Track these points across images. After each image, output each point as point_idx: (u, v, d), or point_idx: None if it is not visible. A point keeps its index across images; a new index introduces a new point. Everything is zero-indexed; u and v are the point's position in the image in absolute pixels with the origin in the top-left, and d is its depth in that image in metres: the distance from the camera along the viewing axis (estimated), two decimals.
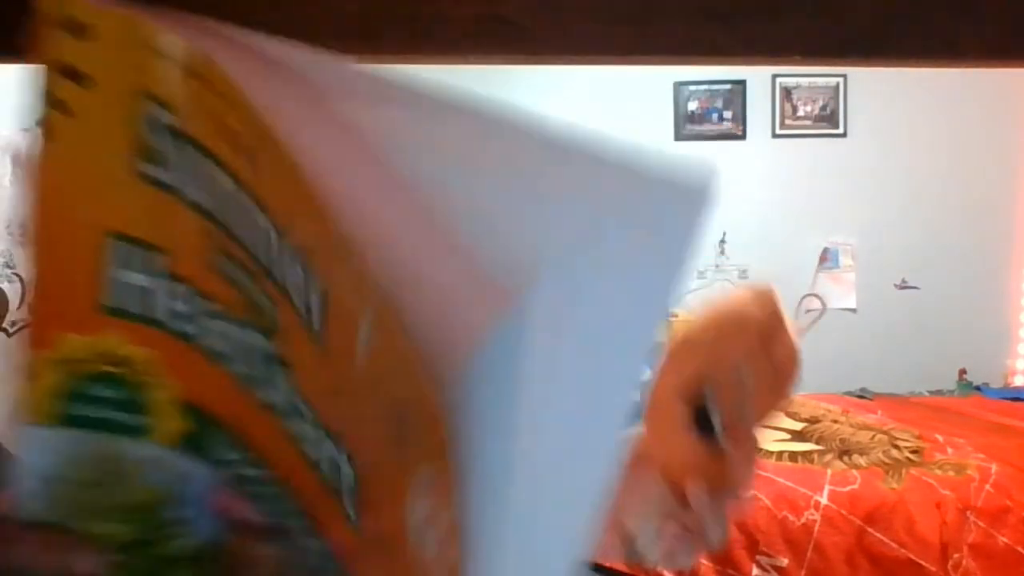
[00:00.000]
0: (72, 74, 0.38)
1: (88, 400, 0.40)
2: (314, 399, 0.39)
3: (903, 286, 4.02)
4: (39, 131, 0.39)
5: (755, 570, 2.13)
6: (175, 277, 0.40)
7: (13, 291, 2.90)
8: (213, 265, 0.39)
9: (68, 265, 0.41)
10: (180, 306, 0.40)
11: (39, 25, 0.38)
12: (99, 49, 0.39)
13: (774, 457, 2.38)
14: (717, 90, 4.02)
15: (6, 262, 3.11)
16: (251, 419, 0.40)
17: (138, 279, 0.40)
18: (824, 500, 2.18)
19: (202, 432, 0.40)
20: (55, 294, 0.40)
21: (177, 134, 0.39)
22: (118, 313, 0.40)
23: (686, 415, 0.43)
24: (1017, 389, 3.80)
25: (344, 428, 0.38)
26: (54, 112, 0.39)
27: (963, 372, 3.86)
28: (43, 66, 0.38)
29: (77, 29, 0.38)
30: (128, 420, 0.40)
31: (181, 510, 0.40)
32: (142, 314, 0.40)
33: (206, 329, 0.40)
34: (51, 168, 0.40)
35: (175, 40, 0.39)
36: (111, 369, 0.40)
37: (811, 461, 2.37)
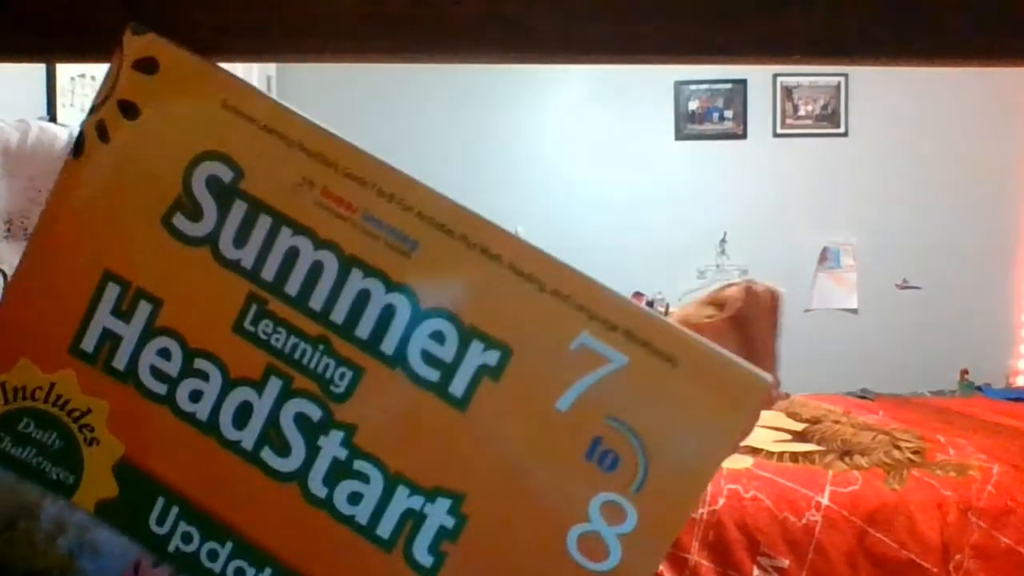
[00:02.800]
0: (122, 104, 0.38)
1: (21, 439, 0.38)
2: (414, 456, 0.36)
3: (904, 286, 4.01)
4: (72, 149, 0.37)
5: (756, 571, 2.12)
6: (170, 332, 0.37)
7: None
8: (241, 327, 0.37)
9: (59, 292, 0.38)
10: (162, 363, 0.37)
11: (114, 59, 0.38)
12: (157, 87, 0.37)
13: (775, 458, 2.37)
14: (718, 89, 4.02)
15: None
16: (233, 491, 0.37)
17: (122, 328, 0.38)
18: (825, 501, 2.17)
19: (136, 499, 0.37)
20: (36, 319, 0.38)
21: (237, 193, 0.37)
22: (87, 358, 0.38)
23: None
24: (1019, 389, 3.80)
25: (467, 481, 0.36)
26: (91, 133, 0.38)
27: (965, 372, 3.86)
28: (102, 94, 0.37)
29: (147, 66, 0.37)
30: (55, 472, 0.38)
31: None
32: (112, 365, 0.38)
33: (192, 391, 0.37)
34: (69, 184, 0.38)
35: (256, 97, 0.37)
36: (54, 412, 0.37)
37: (812, 462, 2.36)
